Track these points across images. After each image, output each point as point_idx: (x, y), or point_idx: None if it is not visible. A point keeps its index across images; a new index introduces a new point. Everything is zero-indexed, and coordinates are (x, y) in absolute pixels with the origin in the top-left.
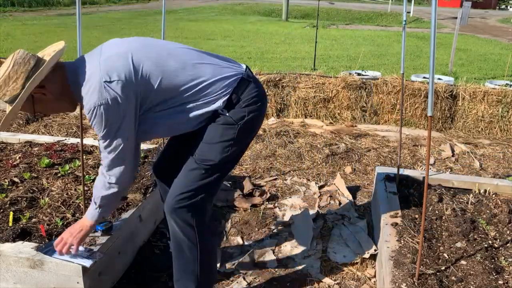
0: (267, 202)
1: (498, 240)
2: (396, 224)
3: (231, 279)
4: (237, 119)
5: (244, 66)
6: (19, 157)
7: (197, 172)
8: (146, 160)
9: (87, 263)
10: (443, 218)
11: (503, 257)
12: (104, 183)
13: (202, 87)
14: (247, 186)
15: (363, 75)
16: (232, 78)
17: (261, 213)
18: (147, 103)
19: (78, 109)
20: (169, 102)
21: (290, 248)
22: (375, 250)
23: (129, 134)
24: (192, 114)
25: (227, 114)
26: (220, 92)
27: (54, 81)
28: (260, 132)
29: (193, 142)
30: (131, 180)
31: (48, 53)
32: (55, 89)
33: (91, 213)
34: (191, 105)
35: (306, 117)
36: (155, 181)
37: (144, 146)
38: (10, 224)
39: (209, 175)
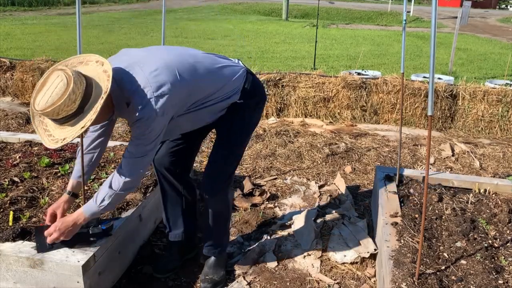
0: (267, 202)
1: (498, 239)
2: (396, 223)
3: (231, 278)
4: (254, 104)
5: (237, 60)
6: (19, 157)
7: (231, 156)
8: None
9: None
10: (443, 217)
11: (503, 257)
12: (120, 182)
13: (223, 87)
14: (247, 185)
15: (363, 74)
16: (240, 72)
17: (261, 212)
18: (178, 111)
19: None
20: (194, 104)
21: (290, 247)
22: (375, 250)
23: (160, 140)
24: (213, 110)
25: (243, 101)
26: (236, 87)
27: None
28: (260, 131)
29: (220, 130)
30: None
31: (92, 70)
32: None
33: (91, 210)
34: (212, 102)
35: (306, 117)
36: (156, 180)
37: None
38: (10, 223)
39: (239, 155)
